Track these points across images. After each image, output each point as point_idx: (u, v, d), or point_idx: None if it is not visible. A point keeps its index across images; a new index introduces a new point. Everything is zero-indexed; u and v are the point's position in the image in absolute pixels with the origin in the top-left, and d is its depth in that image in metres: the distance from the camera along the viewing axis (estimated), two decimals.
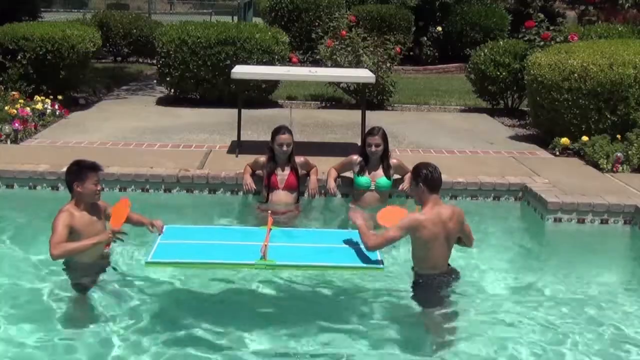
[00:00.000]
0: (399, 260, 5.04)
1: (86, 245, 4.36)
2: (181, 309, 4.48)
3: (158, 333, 4.16)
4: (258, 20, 17.02)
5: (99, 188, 4.61)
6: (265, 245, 4.42)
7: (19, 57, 9.59)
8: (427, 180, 4.58)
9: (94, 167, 4.61)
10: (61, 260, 4.55)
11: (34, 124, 8.40)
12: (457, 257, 5.22)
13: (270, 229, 4.80)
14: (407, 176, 6.33)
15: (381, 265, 4.44)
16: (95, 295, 4.51)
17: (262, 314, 4.46)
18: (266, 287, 4.77)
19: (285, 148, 6.13)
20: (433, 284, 4.60)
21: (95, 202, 4.62)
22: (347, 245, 4.66)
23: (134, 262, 4.98)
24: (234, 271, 4.78)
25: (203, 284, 4.75)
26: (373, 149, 6.15)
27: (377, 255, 4.48)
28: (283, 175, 6.21)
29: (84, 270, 4.58)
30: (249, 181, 6.37)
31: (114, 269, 4.77)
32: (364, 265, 4.46)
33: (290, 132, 6.25)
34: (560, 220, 6.17)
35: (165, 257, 4.42)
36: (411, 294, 4.62)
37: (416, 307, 4.55)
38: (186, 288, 4.74)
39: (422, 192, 4.59)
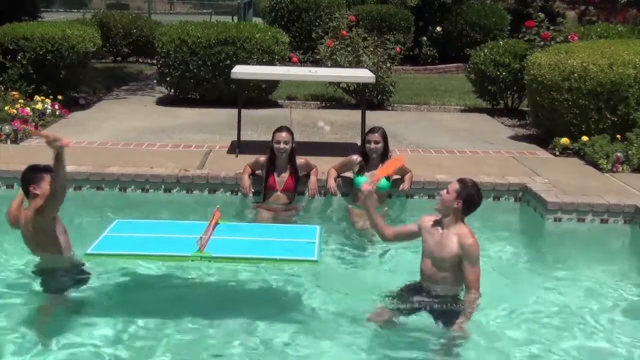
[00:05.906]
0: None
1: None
2: (141, 302, 4.56)
3: (130, 328, 4.21)
4: (258, 20, 17.01)
5: None
6: (202, 238, 4.42)
7: (19, 57, 9.59)
8: (468, 202, 4.29)
9: (48, 169, 4.59)
10: (39, 265, 4.60)
11: (34, 124, 8.39)
12: None
13: (218, 224, 4.82)
14: (408, 176, 6.35)
15: (315, 258, 4.38)
16: (72, 295, 4.55)
17: (209, 305, 4.52)
18: (212, 280, 4.86)
19: (282, 146, 6.11)
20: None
21: None
22: (287, 239, 4.68)
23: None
24: (194, 265, 4.79)
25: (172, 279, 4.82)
26: (372, 145, 6.16)
27: (314, 248, 4.46)
28: (282, 177, 6.21)
29: (57, 273, 4.59)
30: (246, 184, 6.36)
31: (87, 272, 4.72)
32: (297, 258, 4.47)
33: (290, 132, 6.23)
34: (560, 220, 6.17)
35: (105, 249, 4.43)
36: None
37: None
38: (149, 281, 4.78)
39: (457, 208, 4.28)
